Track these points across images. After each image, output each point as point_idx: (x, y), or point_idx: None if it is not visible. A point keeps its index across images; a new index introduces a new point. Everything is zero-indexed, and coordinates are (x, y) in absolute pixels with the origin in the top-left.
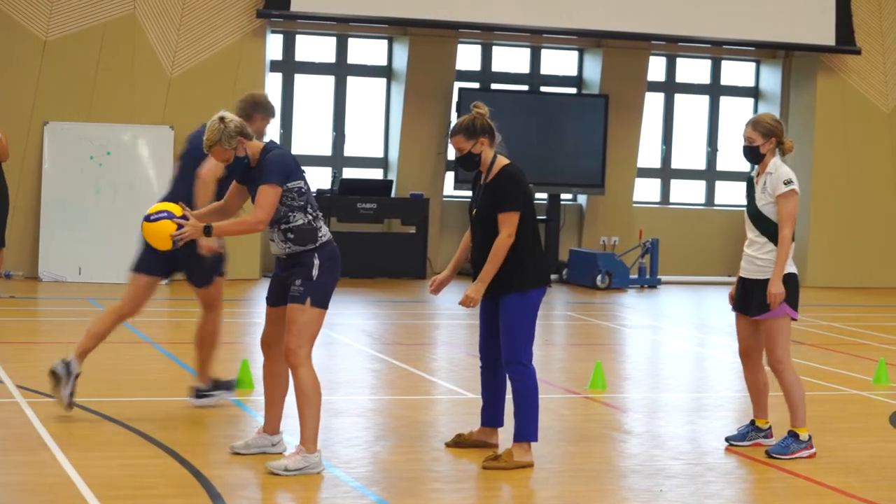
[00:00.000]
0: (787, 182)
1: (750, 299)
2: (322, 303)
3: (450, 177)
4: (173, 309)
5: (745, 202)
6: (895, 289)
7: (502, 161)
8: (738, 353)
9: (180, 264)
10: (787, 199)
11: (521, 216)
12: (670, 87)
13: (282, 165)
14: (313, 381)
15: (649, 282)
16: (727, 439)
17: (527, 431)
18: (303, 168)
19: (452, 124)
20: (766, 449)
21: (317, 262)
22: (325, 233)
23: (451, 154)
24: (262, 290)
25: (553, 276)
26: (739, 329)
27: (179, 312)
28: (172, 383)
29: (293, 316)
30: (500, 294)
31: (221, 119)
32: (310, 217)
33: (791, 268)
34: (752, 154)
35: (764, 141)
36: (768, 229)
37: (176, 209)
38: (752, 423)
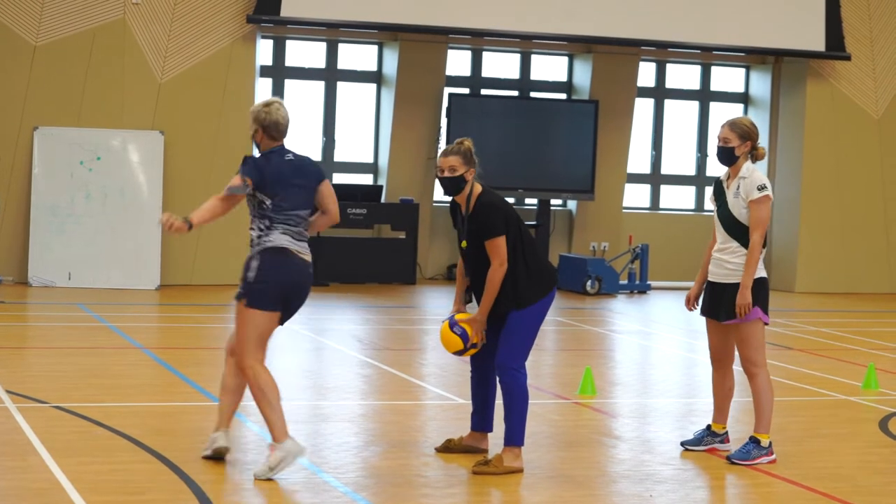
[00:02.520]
0: (761, 187)
1: (719, 304)
2: (258, 304)
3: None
4: (163, 314)
5: (710, 206)
6: (885, 294)
7: (478, 189)
8: (710, 357)
9: None
10: (761, 204)
11: (506, 239)
12: (660, 93)
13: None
14: (265, 379)
15: (639, 287)
16: (683, 443)
17: (515, 436)
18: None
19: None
20: (726, 455)
21: (254, 264)
22: (271, 239)
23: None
24: None
25: None
26: (710, 334)
27: (169, 318)
28: (163, 388)
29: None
30: (502, 312)
31: None
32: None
33: (761, 272)
34: (727, 155)
35: (740, 143)
36: (740, 234)
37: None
38: (709, 427)
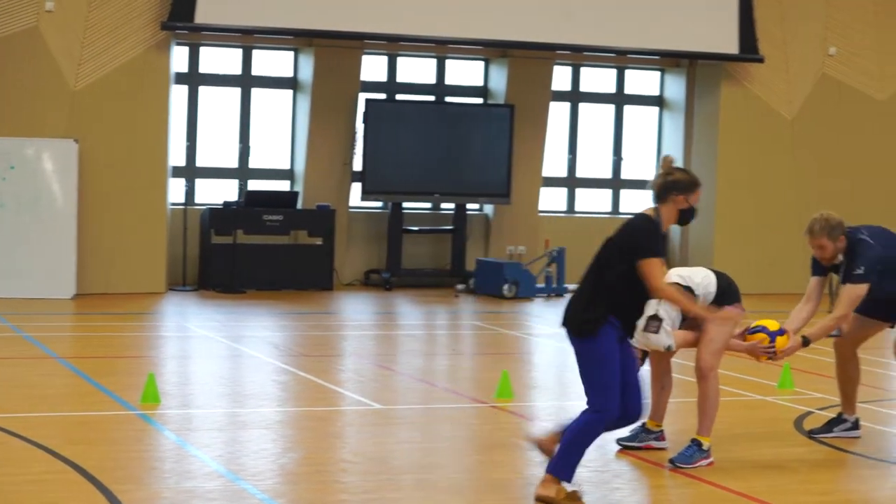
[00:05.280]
0: (668, 348)
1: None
2: None
3: (356, 188)
4: (79, 324)
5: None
6: (799, 294)
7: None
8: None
9: None
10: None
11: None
12: (575, 97)
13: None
14: None
15: (556, 290)
16: (618, 441)
17: (561, 468)
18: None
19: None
20: (669, 458)
21: None
22: None
23: (357, 165)
24: (168, 304)
25: (460, 287)
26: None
27: (84, 327)
28: (78, 398)
29: None
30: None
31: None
32: None
33: (712, 279)
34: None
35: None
36: None
37: (772, 324)
38: (643, 424)
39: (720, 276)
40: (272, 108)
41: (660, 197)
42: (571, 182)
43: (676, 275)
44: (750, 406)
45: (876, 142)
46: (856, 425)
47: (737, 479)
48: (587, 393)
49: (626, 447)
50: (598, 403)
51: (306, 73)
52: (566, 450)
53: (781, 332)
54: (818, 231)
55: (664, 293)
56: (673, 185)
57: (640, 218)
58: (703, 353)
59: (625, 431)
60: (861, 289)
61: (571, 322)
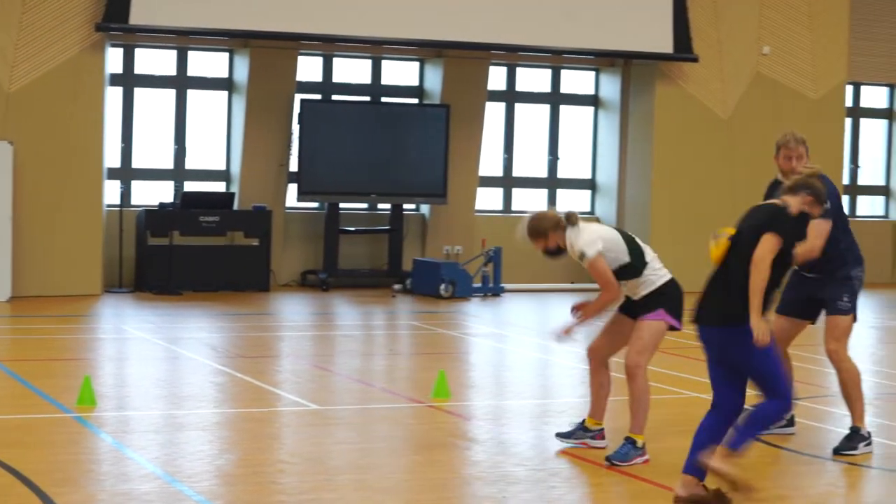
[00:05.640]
0: (582, 256)
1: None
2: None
3: (292, 189)
4: (15, 326)
5: None
6: None
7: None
8: (588, 352)
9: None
10: (593, 267)
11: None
12: (511, 97)
13: None
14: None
15: (492, 290)
16: (557, 434)
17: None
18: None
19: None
20: (606, 455)
21: None
22: None
23: (294, 166)
24: (104, 307)
25: (397, 287)
26: (608, 329)
27: (19, 330)
28: (13, 401)
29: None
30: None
31: None
32: None
33: (665, 276)
34: (554, 253)
35: (546, 239)
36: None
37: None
38: (583, 422)
39: (676, 287)
40: (207, 109)
41: (793, 189)
42: (507, 182)
43: (600, 238)
44: (685, 403)
45: (810, 140)
46: (791, 422)
47: (673, 475)
48: (759, 383)
49: (562, 440)
50: (775, 389)
51: (241, 73)
52: (746, 427)
53: None
54: (799, 139)
55: (759, 270)
56: (809, 185)
57: (772, 204)
58: (631, 352)
59: (565, 426)
60: (828, 223)
61: (714, 314)
